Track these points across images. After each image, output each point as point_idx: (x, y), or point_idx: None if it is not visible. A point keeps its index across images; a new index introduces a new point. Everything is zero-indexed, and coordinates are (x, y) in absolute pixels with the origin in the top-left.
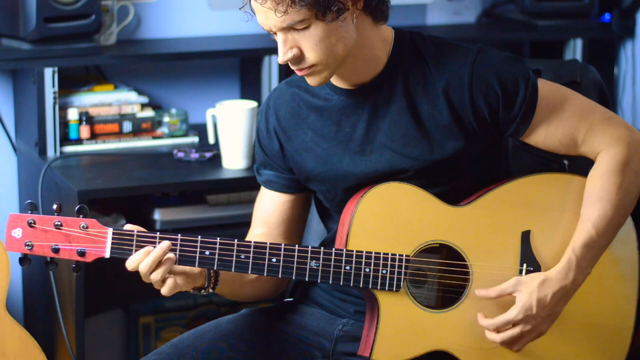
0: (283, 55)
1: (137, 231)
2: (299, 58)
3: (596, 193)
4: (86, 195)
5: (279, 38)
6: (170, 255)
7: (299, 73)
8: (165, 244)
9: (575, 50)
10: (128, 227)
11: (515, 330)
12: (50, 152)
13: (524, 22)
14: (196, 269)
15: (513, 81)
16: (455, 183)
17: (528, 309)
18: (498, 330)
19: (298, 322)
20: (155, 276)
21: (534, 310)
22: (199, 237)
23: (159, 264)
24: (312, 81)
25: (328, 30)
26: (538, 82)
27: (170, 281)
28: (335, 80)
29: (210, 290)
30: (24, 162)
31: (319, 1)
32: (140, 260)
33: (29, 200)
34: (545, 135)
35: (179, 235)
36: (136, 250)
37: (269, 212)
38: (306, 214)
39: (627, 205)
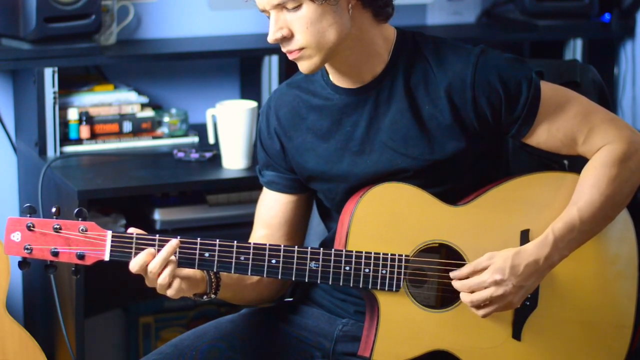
0: (272, 34)
1: (137, 234)
2: (288, 39)
3: (588, 181)
4: (86, 196)
5: (271, 17)
6: (173, 257)
7: (289, 56)
8: (175, 241)
9: (575, 50)
10: (131, 230)
11: (487, 293)
12: (50, 152)
13: (524, 22)
14: (198, 274)
15: (516, 82)
16: (455, 183)
17: (501, 273)
18: (470, 290)
19: (298, 322)
20: (163, 280)
21: (506, 275)
22: (198, 239)
23: (164, 266)
24: (302, 66)
25: (320, 13)
26: (540, 83)
27: (176, 283)
28: (336, 80)
29: (213, 296)
30: (24, 162)
31: None
32: (144, 261)
33: (28, 204)
34: (547, 136)
35: (178, 237)
36: (136, 253)
37: (271, 213)
38: (308, 215)
39: (618, 200)
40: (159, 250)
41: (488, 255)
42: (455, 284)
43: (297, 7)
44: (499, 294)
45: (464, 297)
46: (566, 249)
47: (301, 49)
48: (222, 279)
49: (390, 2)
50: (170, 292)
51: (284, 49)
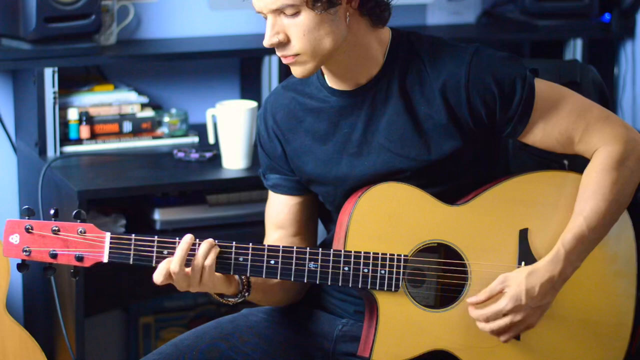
0: (269, 38)
1: (135, 235)
2: (284, 44)
3: (590, 188)
4: (86, 196)
5: (268, 21)
6: (217, 247)
7: (284, 61)
8: (189, 237)
9: (575, 50)
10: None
11: (505, 321)
12: (50, 152)
13: (524, 22)
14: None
15: (510, 81)
16: (453, 182)
17: (517, 299)
18: (488, 320)
19: (298, 322)
20: (209, 261)
21: (523, 300)
22: (197, 240)
23: (208, 252)
24: (296, 71)
25: (317, 22)
26: (535, 81)
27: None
28: (332, 82)
29: (246, 295)
30: (24, 162)
31: None
32: (166, 269)
33: (26, 206)
34: (542, 135)
35: (177, 239)
36: (134, 254)
37: (281, 216)
38: (317, 214)
39: (621, 202)
40: (160, 251)
41: (501, 279)
42: (472, 314)
43: (296, 13)
44: (519, 319)
45: (483, 326)
46: (578, 260)
47: (296, 55)
48: (252, 280)
49: (387, 8)
50: (202, 287)
51: (278, 53)
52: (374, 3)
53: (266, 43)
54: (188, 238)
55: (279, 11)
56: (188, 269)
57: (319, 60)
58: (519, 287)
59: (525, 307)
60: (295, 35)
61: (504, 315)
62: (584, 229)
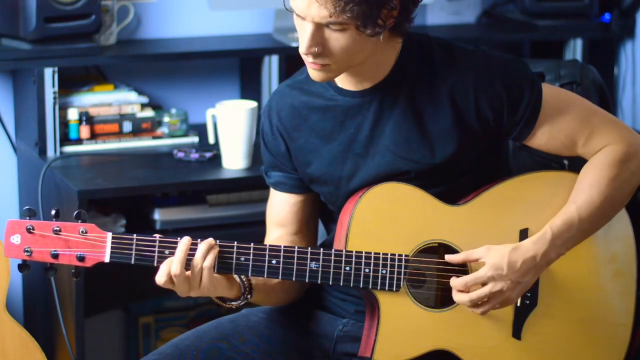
0: (307, 48)
1: (136, 235)
2: (319, 54)
3: (587, 180)
4: (86, 196)
5: (308, 29)
6: (216, 247)
7: (311, 66)
8: (187, 238)
9: (575, 50)
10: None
11: (484, 290)
12: (50, 152)
13: (524, 22)
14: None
15: (518, 85)
16: (455, 183)
17: (498, 268)
18: (468, 289)
19: (298, 323)
20: (208, 262)
21: (504, 270)
22: (199, 240)
23: (207, 252)
24: (317, 76)
25: (358, 40)
26: (542, 86)
27: (206, 275)
28: (340, 82)
29: (249, 297)
30: (24, 162)
31: (368, 16)
32: (168, 270)
33: (27, 207)
34: (548, 139)
35: (179, 238)
36: (136, 254)
37: (282, 214)
38: (318, 213)
39: (616, 201)
40: (162, 251)
41: (485, 248)
42: (452, 282)
43: (341, 30)
44: (497, 290)
45: (462, 297)
46: (563, 247)
47: (326, 64)
48: (252, 281)
49: (412, 20)
50: (203, 283)
51: (308, 59)
52: (407, 23)
53: (304, 51)
54: (186, 239)
55: (325, 24)
56: (188, 272)
57: (343, 71)
58: (502, 258)
59: (505, 277)
60: (334, 49)
61: (484, 284)
62: (575, 217)
